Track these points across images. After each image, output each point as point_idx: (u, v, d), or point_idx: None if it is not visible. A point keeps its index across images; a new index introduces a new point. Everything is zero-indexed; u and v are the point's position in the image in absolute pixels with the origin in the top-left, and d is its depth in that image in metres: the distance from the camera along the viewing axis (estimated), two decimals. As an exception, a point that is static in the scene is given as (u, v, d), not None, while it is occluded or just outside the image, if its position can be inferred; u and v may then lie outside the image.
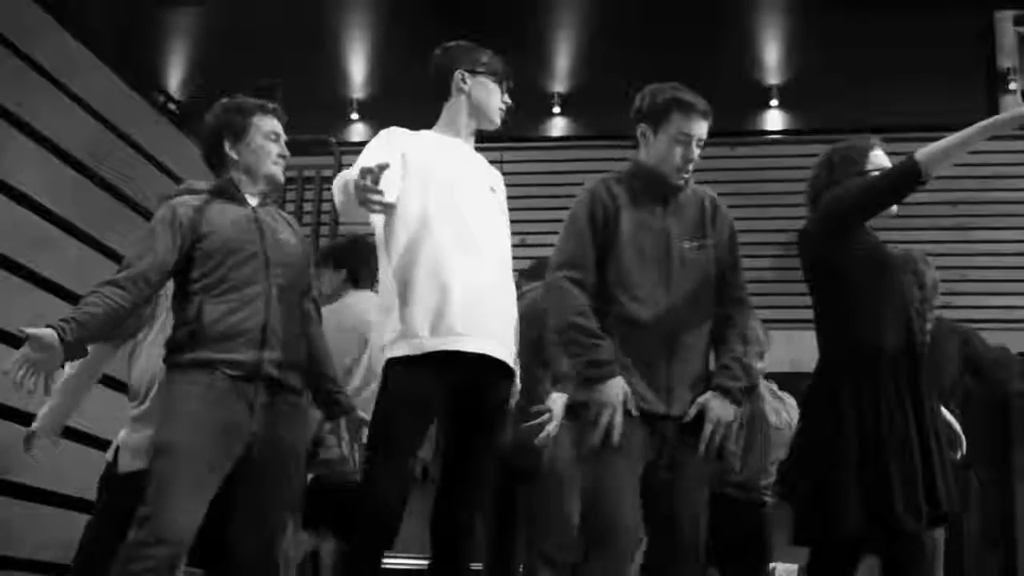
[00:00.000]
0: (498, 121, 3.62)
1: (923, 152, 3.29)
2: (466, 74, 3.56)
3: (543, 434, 3.83)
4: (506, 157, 9.17)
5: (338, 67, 11.42)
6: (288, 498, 3.38)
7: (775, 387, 5.19)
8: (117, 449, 3.96)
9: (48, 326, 3.04)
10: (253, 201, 3.55)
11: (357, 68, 11.41)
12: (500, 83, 3.60)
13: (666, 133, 3.41)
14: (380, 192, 2.97)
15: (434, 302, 3.23)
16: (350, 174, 3.09)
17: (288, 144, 3.67)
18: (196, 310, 3.26)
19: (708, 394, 3.34)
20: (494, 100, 3.60)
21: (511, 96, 3.62)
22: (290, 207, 9.28)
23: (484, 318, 3.28)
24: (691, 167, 3.46)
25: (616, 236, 3.36)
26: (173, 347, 3.31)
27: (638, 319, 3.31)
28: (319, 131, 9.58)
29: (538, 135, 10.79)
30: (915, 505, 3.24)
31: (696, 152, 3.44)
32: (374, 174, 2.96)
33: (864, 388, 3.35)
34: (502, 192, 3.62)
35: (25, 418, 4.64)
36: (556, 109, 10.97)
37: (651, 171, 3.46)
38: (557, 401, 3.98)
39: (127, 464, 3.86)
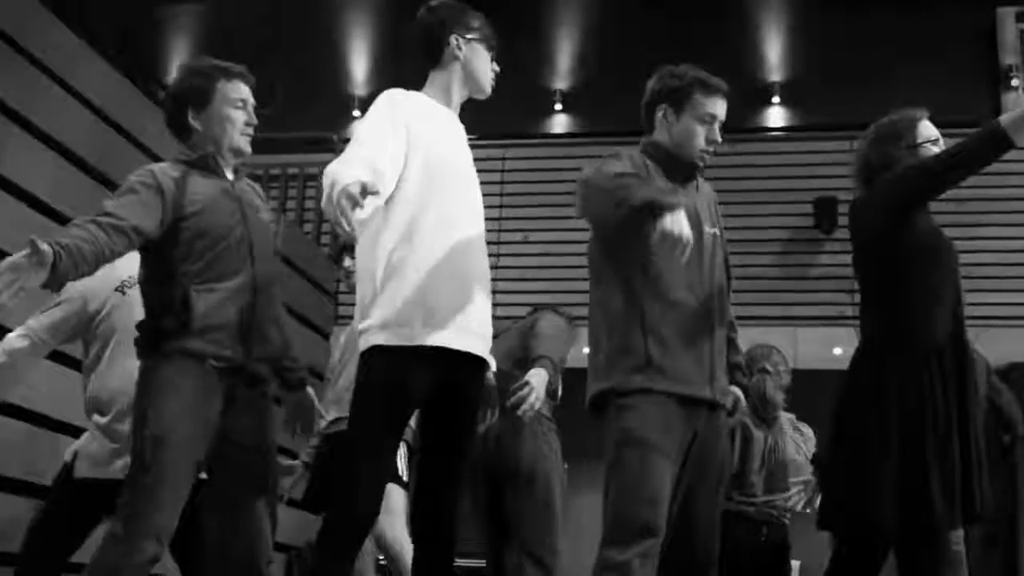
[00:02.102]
0: (489, 90, 3.44)
1: (1006, 117, 3.15)
2: (460, 39, 3.37)
3: (526, 406, 3.78)
4: (508, 154, 9.20)
5: (340, 64, 11.42)
6: (269, 494, 3.29)
7: (794, 418, 5.15)
8: (76, 453, 3.94)
9: (47, 244, 2.77)
10: (230, 174, 3.35)
11: (359, 65, 11.41)
12: (492, 50, 3.43)
13: (689, 114, 3.32)
14: (350, 223, 2.75)
15: (428, 293, 3.11)
16: (343, 176, 2.84)
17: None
18: (183, 298, 3.10)
19: (738, 391, 3.36)
20: (488, 68, 3.42)
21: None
22: (292, 204, 9.28)
23: (471, 312, 3.19)
24: (712, 149, 3.35)
25: None
26: (157, 334, 3.13)
27: (678, 298, 3.18)
28: (321, 128, 9.58)
29: (540, 132, 10.79)
30: (952, 505, 3.20)
31: (717, 133, 3.35)
32: (359, 204, 2.76)
33: (910, 384, 3.27)
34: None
35: (27, 416, 4.64)
36: (558, 106, 10.98)
37: (672, 152, 3.34)
38: (535, 376, 3.90)
39: (83, 471, 3.85)
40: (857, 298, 3.64)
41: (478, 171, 3.47)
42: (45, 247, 2.74)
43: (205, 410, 3.11)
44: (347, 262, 5.01)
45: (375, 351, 3.10)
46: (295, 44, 11.01)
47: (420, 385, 3.11)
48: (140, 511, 3.00)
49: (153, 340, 3.15)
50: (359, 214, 2.80)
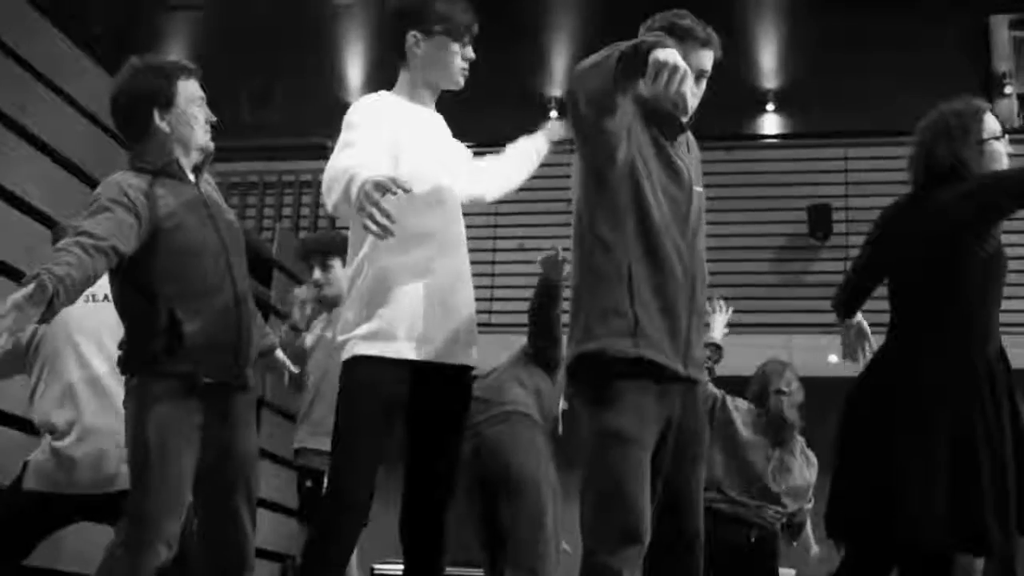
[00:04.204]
0: (461, 82, 3.27)
1: None
2: (420, 36, 3.21)
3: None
4: (503, 161, 9.19)
5: (336, 71, 11.42)
6: (252, 499, 3.27)
7: (804, 443, 5.13)
8: (26, 464, 3.94)
9: (48, 282, 2.70)
10: (191, 176, 3.25)
11: (354, 72, 11.42)
12: (460, 38, 3.23)
13: None
14: (390, 217, 2.66)
15: (415, 308, 3.10)
16: (357, 173, 2.75)
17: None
18: (168, 320, 3.05)
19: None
20: (454, 62, 3.24)
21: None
22: (287, 211, 9.28)
23: (457, 321, 3.17)
24: (693, 102, 3.02)
25: (634, 156, 2.96)
26: (144, 357, 3.08)
27: (663, 259, 2.95)
28: (316, 135, 9.57)
29: (535, 139, 10.79)
30: (1007, 529, 3.10)
31: (692, 85, 2.93)
32: (390, 191, 2.68)
33: (964, 399, 3.19)
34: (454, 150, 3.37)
35: (20, 423, 4.63)
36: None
37: (653, 106, 3.01)
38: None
39: (30, 483, 3.87)
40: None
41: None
42: (48, 286, 2.69)
43: (199, 421, 3.11)
44: (316, 273, 4.90)
45: (360, 360, 3.10)
46: (290, 51, 11.02)
47: (405, 394, 3.11)
48: (150, 517, 3.01)
49: (142, 361, 3.11)
50: (390, 202, 2.70)
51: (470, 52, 3.27)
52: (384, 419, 3.12)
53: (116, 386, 3.55)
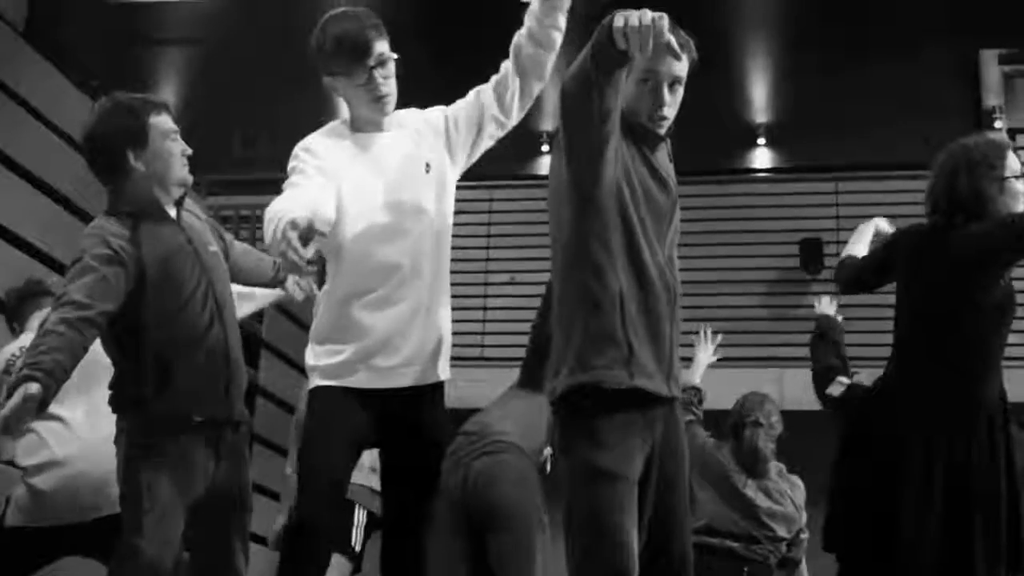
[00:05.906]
0: (388, 109, 3.19)
1: None
2: (332, 79, 3.17)
3: None
4: (495, 195, 9.21)
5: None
6: (244, 534, 3.28)
7: (784, 468, 5.10)
8: (8, 499, 3.93)
9: (31, 378, 2.74)
10: (172, 211, 3.21)
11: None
12: (357, 72, 3.11)
13: (632, 75, 2.87)
14: (301, 257, 2.62)
15: (378, 338, 3.10)
16: (286, 213, 2.71)
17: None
18: (156, 363, 3.06)
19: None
20: (367, 95, 3.16)
21: None
22: (279, 244, 9.28)
23: (423, 348, 3.15)
24: (668, 112, 2.95)
25: (619, 173, 2.88)
26: (134, 398, 3.09)
27: (647, 276, 2.88)
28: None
29: (527, 173, 10.81)
30: (995, 564, 3.12)
31: (667, 95, 2.92)
32: (302, 232, 2.63)
33: (961, 440, 3.19)
34: (445, 145, 3.28)
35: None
36: (544, 147, 11.01)
37: (629, 120, 2.93)
38: None
39: (10, 519, 3.86)
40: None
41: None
42: (36, 390, 2.72)
43: (191, 459, 3.11)
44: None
45: (323, 390, 3.12)
46: (284, 84, 11.05)
47: (364, 420, 3.11)
48: (142, 553, 3.00)
49: (133, 402, 3.11)
50: (309, 251, 2.69)
51: (383, 74, 3.15)
52: (349, 451, 3.14)
53: (81, 417, 3.71)
